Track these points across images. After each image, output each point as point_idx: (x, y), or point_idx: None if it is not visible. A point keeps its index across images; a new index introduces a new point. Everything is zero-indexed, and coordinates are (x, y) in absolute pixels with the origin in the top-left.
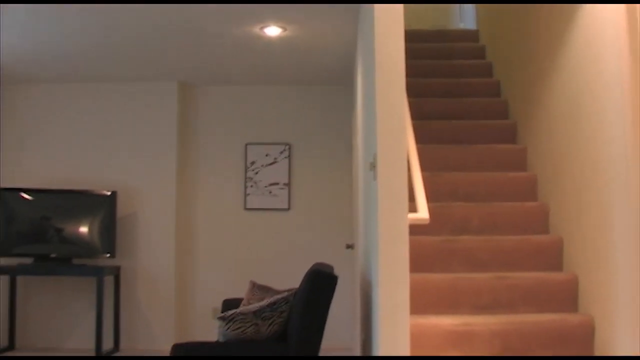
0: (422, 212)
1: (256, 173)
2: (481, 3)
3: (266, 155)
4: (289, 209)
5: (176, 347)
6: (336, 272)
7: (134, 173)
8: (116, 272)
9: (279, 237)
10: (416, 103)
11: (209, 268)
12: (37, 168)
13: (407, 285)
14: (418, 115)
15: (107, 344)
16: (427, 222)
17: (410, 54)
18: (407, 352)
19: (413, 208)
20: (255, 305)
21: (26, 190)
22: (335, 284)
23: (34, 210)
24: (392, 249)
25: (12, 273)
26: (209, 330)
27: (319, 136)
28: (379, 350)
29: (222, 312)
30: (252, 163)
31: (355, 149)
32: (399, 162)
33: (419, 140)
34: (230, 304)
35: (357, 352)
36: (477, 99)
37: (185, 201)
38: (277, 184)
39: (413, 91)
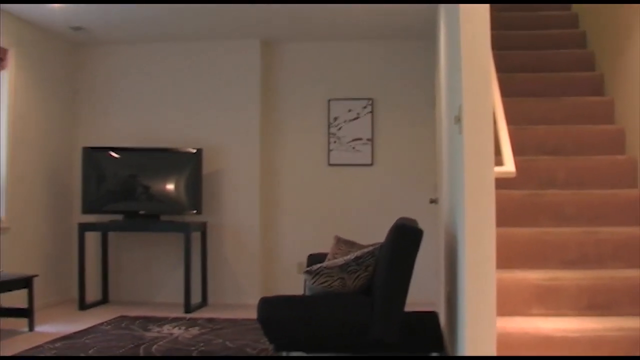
0: (509, 166)
1: (339, 129)
2: None
3: (349, 111)
4: (372, 164)
5: (263, 300)
6: (420, 227)
7: (219, 130)
8: (203, 228)
9: (362, 193)
10: (501, 56)
11: (294, 223)
12: (124, 127)
13: (493, 239)
14: (503, 68)
15: (195, 298)
16: (514, 175)
17: (494, 7)
18: (493, 306)
19: (499, 162)
20: (341, 260)
21: (114, 149)
22: (421, 238)
23: (123, 168)
24: (478, 202)
25: (104, 229)
26: (294, 285)
27: (402, 90)
28: (465, 303)
29: (308, 267)
30: (335, 119)
31: (438, 103)
32: (484, 115)
33: (504, 93)
34: (315, 258)
35: (441, 307)
36: (562, 50)
37: (269, 158)
38: (360, 139)
39: (498, 44)
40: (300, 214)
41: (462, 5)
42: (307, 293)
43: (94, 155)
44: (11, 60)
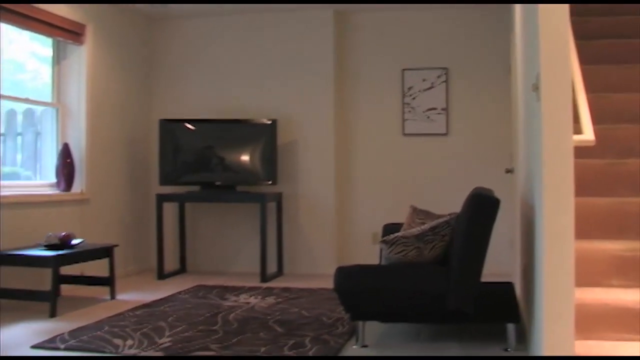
0: (587, 134)
1: (413, 98)
2: None
3: (423, 80)
4: (447, 133)
5: (340, 270)
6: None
7: (293, 101)
8: (278, 199)
9: (437, 162)
10: (579, 22)
11: (369, 193)
12: (199, 99)
13: (571, 209)
14: (581, 35)
15: (271, 268)
16: (593, 143)
17: None
18: (571, 277)
19: (577, 130)
20: (417, 229)
21: (190, 121)
22: (498, 207)
23: (198, 140)
24: (556, 171)
25: (181, 200)
26: (369, 255)
27: (476, 59)
28: (543, 274)
29: (384, 237)
30: (410, 88)
31: (514, 71)
32: (563, 82)
33: (582, 60)
34: (390, 228)
35: (517, 278)
36: None
37: (343, 128)
38: (434, 109)
39: (575, 10)
40: (375, 184)
41: None
42: (383, 263)
43: (170, 128)
44: (89, 35)
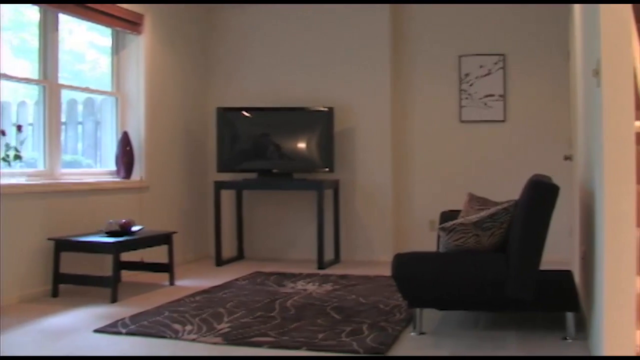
0: None
1: (470, 85)
2: None
3: (480, 67)
4: (504, 120)
5: (398, 256)
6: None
7: (350, 89)
8: (335, 186)
9: (494, 149)
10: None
11: (425, 181)
12: (256, 87)
13: (633, 196)
14: None
15: (328, 255)
16: None
17: None
18: (633, 265)
19: (639, 116)
20: (476, 216)
21: (247, 109)
22: (557, 194)
23: (255, 128)
24: (617, 158)
25: (238, 188)
26: (426, 242)
27: (534, 45)
28: (603, 262)
29: (441, 224)
30: (466, 75)
31: (573, 56)
32: (624, 67)
33: None
34: (448, 215)
35: (575, 266)
36: None
37: (400, 115)
38: (492, 95)
39: None
40: (432, 171)
41: None
42: (441, 250)
43: (227, 116)
44: (147, 25)
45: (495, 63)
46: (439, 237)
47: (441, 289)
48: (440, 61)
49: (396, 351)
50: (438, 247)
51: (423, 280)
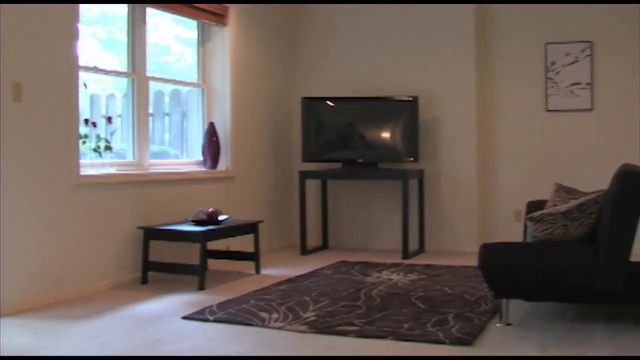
0: None
1: (557, 73)
2: None
3: (567, 55)
4: (591, 109)
5: (485, 246)
6: None
7: (434, 78)
8: (420, 176)
9: (581, 139)
10: None
11: (511, 170)
12: (340, 77)
13: None
14: None
15: (413, 245)
16: None
17: None
18: None
19: None
20: (564, 206)
21: (332, 99)
22: None
23: (340, 118)
24: None
25: (323, 177)
26: (512, 232)
27: (623, 32)
28: None
29: (528, 214)
30: (553, 63)
31: None
32: None
33: None
34: (534, 205)
35: None
36: None
37: (484, 104)
38: (578, 83)
39: None
40: (517, 161)
41: None
42: (528, 240)
43: (312, 106)
44: (232, 16)
45: (582, 50)
46: (525, 227)
47: (528, 279)
48: (526, 49)
49: (482, 342)
50: (524, 238)
51: (510, 271)
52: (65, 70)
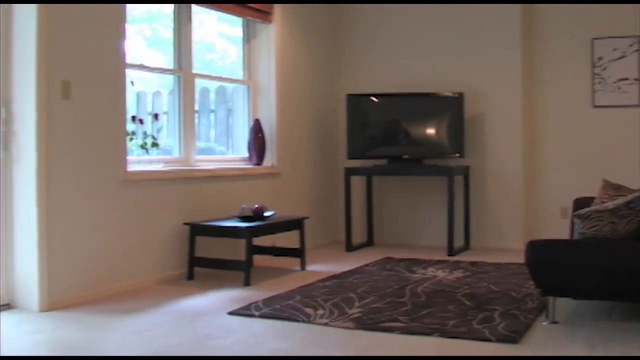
0: None
1: (604, 69)
2: None
3: (614, 50)
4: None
5: (532, 243)
6: None
7: (480, 74)
8: (465, 172)
9: (629, 135)
10: None
11: (557, 167)
12: (385, 73)
13: None
14: None
15: (458, 242)
16: None
17: None
18: None
19: None
20: (612, 204)
21: (376, 95)
22: None
23: (385, 114)
24: None
25: (368, 174)
26: (558, 230)
27: None
28: None
29: (575, 211)
30: (599, 59)
31: None
32: None
33: None
34: (581, 203)
35: None
36: None
37: (531, 100)
38: (626, 79)
39: None
40: (564, 158)
41: None
42: (575, 238)
43: (357, 102)
44: (277, 13)
45: (630, 45)
46: (572, 224)
47: (576, 277)
48: (572, 45)
49: (528, 340)
50: (571, 235)
51: (557, 268)
52: (113, 68)
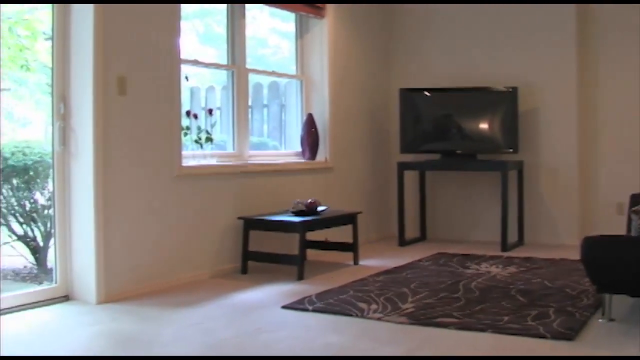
0: None
1: None
2: None
3: None
4: None
5: (587, 239)
6: None
7: (534, 68)
8: (519, 167)
9: None
10: None
11: (613, 162)
12: (438, 68)
13: None
14: None
15: (511, 237)
16: None
17: None
18: None
19: None
20: None
21: (429, 90)
22: None
23: (437, 109)
24: None
25: (421, 168)
26: (614, 226)
27: None
28: None
29: (631, 207)
30: None
31: None
32: None
33: None
34: (638, 198)
35: None
36: None
37: (586, 95)
38: None
39: None
40: (619, 153)
41: None
42: (633, 234)
43: (410, 97)
44: (329, 8)
45: None
46: (629, 220)
47: (632, 274)
48: (629, 39)
49: (584, 337)
50: (628, 231)
51: (614, 265)
52: (168, 64)
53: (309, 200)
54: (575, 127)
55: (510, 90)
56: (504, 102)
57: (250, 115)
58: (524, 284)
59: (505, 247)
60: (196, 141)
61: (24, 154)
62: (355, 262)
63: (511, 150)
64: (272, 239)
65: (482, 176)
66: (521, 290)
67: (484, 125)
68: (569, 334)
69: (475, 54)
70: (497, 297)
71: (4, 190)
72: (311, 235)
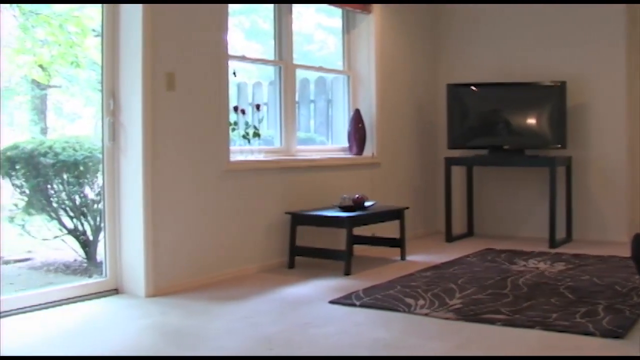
0: None
1: None
2: None
3: None
4: None
5: (638, 236)
6: None
7: (583, 63)
8: (568, 163)
9: None
10: None
11: None
12: (485, 63)
13: None
14: None
15: (560, 234)
16: None
17: None
18: None
19: None
20: None
21: (476, 85)
22: None
23: (485, 104)
24: None
25: (469, 164)
26: None
27: None
28: None
29: None
30: None
31: None
32: None
33: None
34: None
35: None
36: None
37: (636, 89)
38: None
39: None
40: None
41: None
42: None
43: (457, 92)
44: (376, 4)
45: None
46: None
47: None
48: None
49: (634, 336)
50: None
51: None
52: (216, 60)
53: (356, 196)
54: (624, 122)
55: (559, 84)
56: (552, 97)
57: (297, 111)
58: (573, 281)
59: (553, 243)
60: (244, 136)
61: (75, 150)
62: (403, 258)
63: (559, 145)
64: (320, 234)
65: (529, 172)
66: (569, 287)
67: (531, 121)
68: (618, 332)
69: (522, 49)
70: (545, 294)
71: (55, 185)
72: (358, 231)
